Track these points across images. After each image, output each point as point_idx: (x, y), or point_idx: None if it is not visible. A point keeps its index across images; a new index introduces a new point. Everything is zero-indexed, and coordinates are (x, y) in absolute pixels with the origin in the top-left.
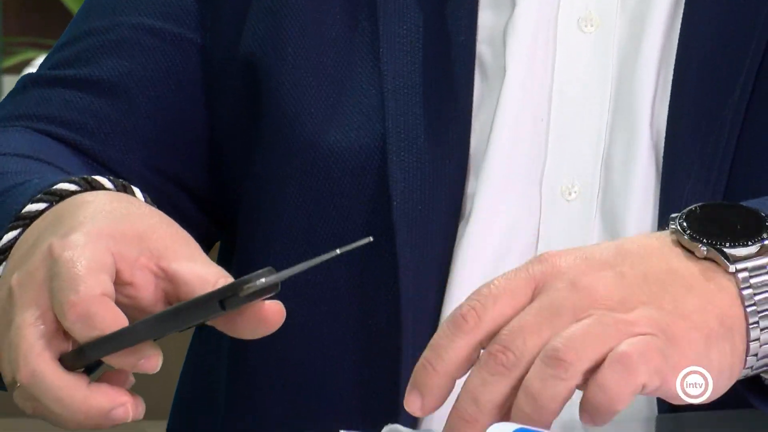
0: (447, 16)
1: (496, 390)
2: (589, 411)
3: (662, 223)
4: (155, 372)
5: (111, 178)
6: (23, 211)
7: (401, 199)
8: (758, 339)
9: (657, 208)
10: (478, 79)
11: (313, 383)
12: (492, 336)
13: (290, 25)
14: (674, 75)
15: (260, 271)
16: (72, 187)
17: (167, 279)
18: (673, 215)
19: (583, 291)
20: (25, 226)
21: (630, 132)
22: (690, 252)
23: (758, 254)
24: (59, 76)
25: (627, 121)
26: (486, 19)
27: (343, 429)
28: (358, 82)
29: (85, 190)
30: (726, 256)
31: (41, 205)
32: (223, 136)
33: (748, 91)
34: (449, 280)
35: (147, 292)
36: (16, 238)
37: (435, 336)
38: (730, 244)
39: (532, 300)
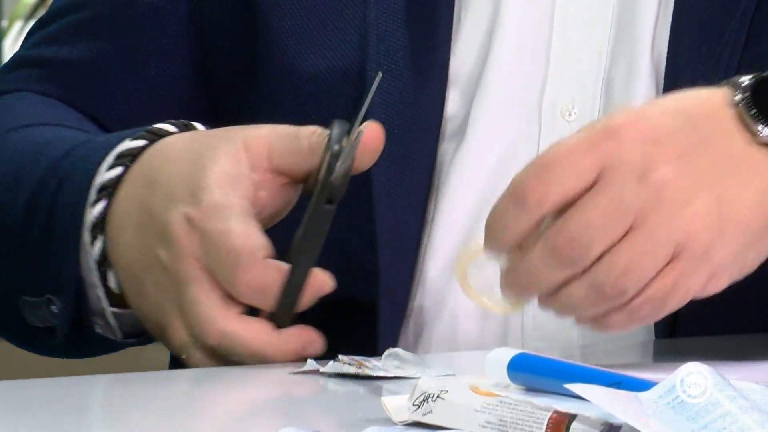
0: None
1: (558, 277)
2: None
3: None
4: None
5: (171, 121)
6: (97, 182)
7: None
8: None
9: None
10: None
11: None
12: (554, 211)
13: None
14: None
15: (332, 151)
16: (140, 143)
17: (281, 174)
18: (742, 79)
19: (651, 190)
20: (109, 196)
21: (631, 54)
22: (749, 129)
23: None
24: (39, 57)
25: (628, 44)
26: None
27: (342, 354)
28: (342, 9)
29: (152, 142)
30: None
31: (119, 170)
32: (218, 89)
33: (750, 13)
34: (437, 203)
35: (275, 197)
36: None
37: (495, 209)
38: None
39: (596, 180)
